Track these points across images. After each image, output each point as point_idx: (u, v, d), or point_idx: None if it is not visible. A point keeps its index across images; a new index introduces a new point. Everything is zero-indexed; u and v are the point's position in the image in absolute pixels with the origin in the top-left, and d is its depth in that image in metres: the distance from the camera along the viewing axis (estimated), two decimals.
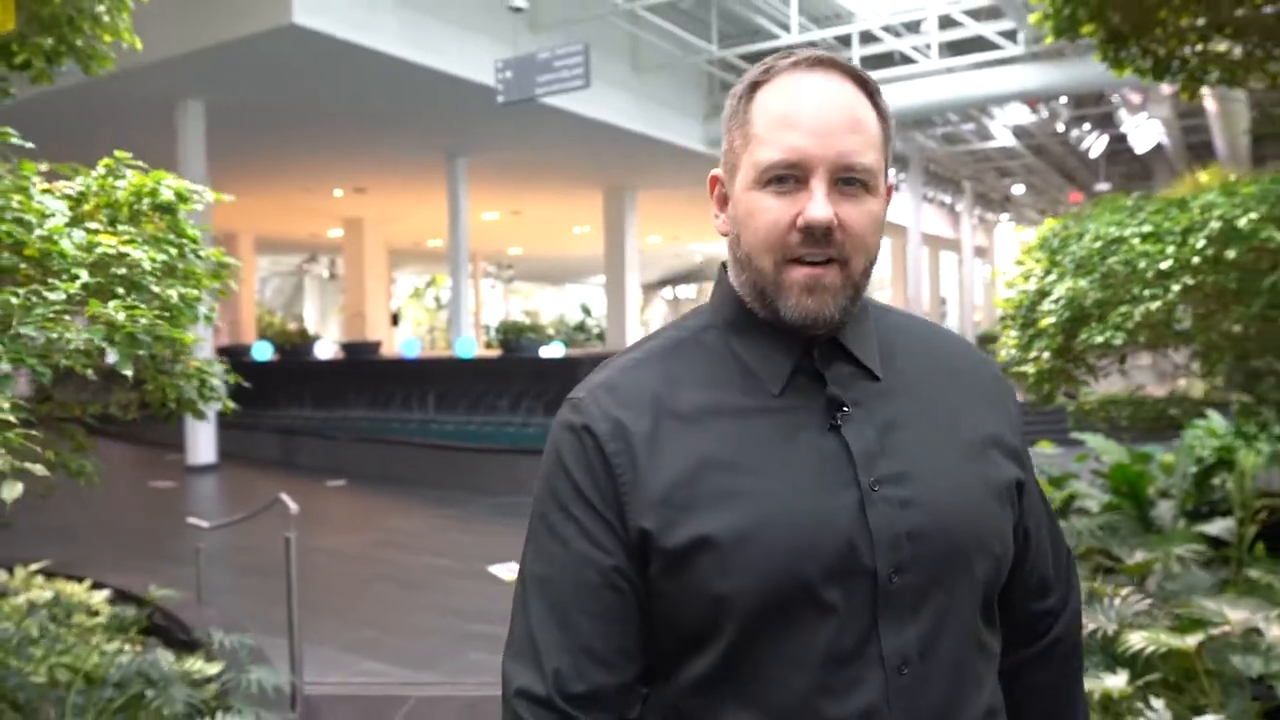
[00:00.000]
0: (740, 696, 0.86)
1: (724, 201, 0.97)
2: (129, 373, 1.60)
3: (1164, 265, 2.74)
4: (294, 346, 16.99)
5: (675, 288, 37.73)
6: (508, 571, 6.11)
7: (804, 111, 0.87)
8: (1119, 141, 19.40)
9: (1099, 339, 2.83)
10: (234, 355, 14.47)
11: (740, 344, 0.93)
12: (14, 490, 1.36)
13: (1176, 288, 2.71)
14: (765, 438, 0.88)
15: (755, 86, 0.91)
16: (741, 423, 0.89)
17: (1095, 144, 19.05)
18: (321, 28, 8.91)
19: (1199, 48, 4.21)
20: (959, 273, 27.86)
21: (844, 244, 0.87)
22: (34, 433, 1.39)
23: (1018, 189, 25.33)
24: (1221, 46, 4.21)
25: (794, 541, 0.84)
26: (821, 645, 0.84)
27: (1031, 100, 16.19)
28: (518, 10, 9.12)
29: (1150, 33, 4.10)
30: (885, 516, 0.86)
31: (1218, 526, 4.45)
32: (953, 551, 0.88)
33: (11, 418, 1.35)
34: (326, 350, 16.81)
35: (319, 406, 13.70)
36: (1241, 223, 2.56)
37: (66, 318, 1.67)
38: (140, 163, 2.14)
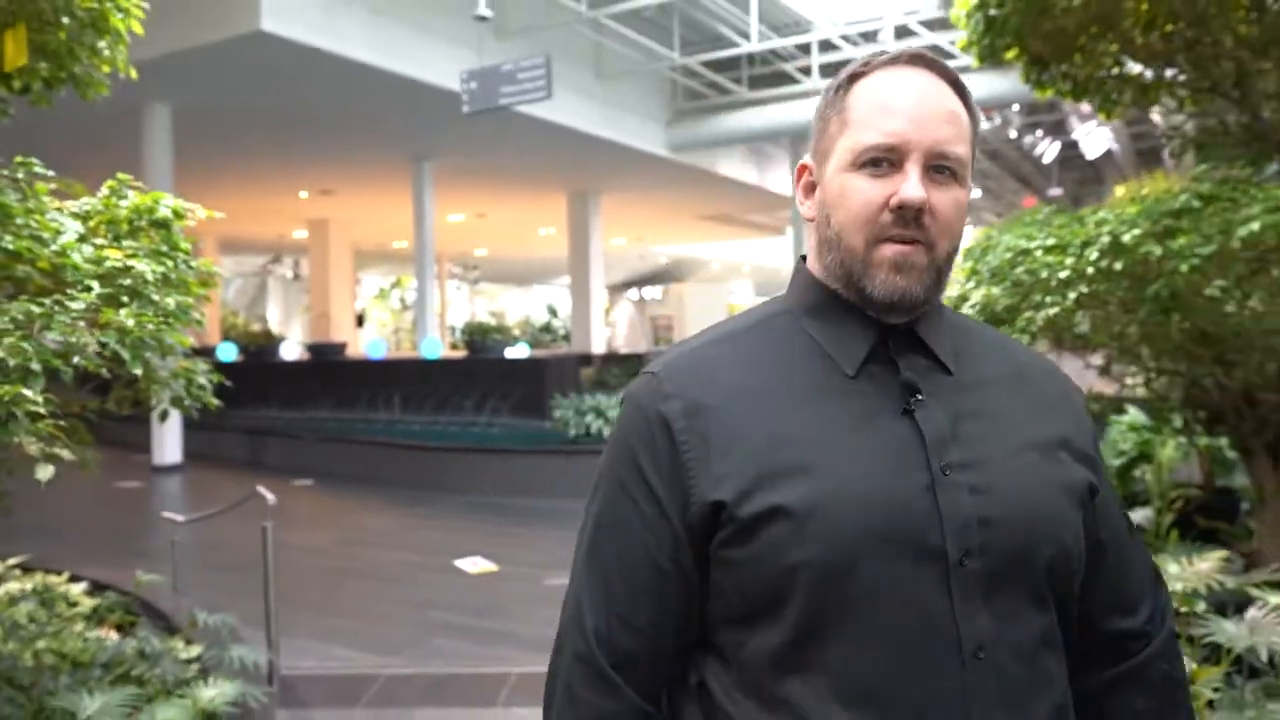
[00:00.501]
0: (812, 673, 0.86)
1: (810, 189, 1.00)
2: (139, 372, 1.83)
3: (1063, 275, 3.05)
4: (259, 348, 17.02)
5: (641, 289, 38.01)
6: (473, 565, 6.34)
7: (903, 100, 0.91)
8: (1071, 148, 19.98)
9: None
10: (199, 356, 14.49)
11: (815, 327, 0.96)
12: (47, 472, 1.59)
13: (1073, 295, 3.02)
14: (837, 417, 0.90)
15: (855, 78, 0.95)
16: (814, 401, 0.91)
17: (1048, 150, 19.64)
18: (289, 34, 9.05)
19: (1114, 71, 4.55)
20: None
21: (931, 228, 0.90)
22: (62, 423, 1.62)
23: (975, 193, 25.94)
24: (1135, 70, 4.55)
25: (863, 517, 0.85)
26: (893, 624, 0.84)
27: (985, 108, 16.68)
28: (483, 19, 9.34)
29: (1069, 57, 4.43)
30: (955, 500, 0.87)
31: (1138, 515, 4.81)
32: (1024, 541, 0.89)
33: (43, 410, 1.58)
34: (292, 351, 16.89)
35: (285, 407, 13.81)
36: (1126, 238, 2.88)
37: (80, 324, 1.90)
38: (139, 184, 2.37)
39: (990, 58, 4.11)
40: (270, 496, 3.78)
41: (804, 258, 1.03)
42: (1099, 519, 0.99)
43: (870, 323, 0.94)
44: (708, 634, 0.94)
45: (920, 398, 0.91)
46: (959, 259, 4.05)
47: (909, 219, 0.89)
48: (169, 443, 11.15)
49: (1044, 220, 3.55)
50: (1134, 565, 1.03)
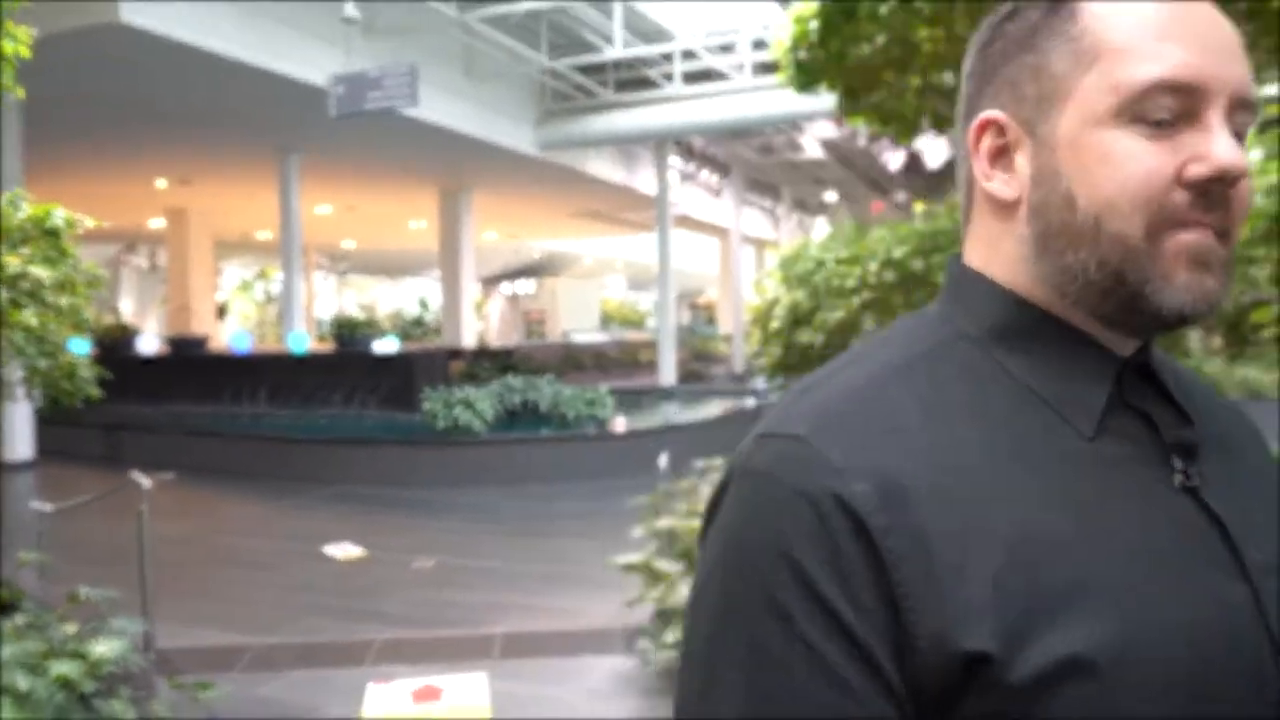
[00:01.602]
0: None
1: (998, 154, 0.66)
2: (42, 364, 2.14)
3: (850, 283, 3.66)
4: (114, 341, 16.43)
5: (514, 283, 38.21)
6: (342, 551, 6.60)
7: (1189, 20, 0.60)
8: (915, 157, 21.40)
9: (805, 338, 3.73)
10: None
11: (1018, 363, 0.64)
12: None
13: (858, 299, 3.64)
14: (1094, 500, 0.60)
15: None
16: (1053, 477, 0.60)
17: (893, 159, 21.01)
18: (150, 26, 8.97)
19: (915, 103, 5.26)
20: None
21: (1234, 209, 0.61)
22: None
23: (830, 196, 27.34)
24: (930, 104, 5.28)
25: (1193, 664, 0.56)
26: None
27: (836, 118, 17.74)
28: (351, 21, 9.51)
29: (876, 91, 5.11)
30: None
31: None
32: None
33: None
34: (149, 345, 16.40)
35: (144, 402, 13.51)
36: (896, 254, 3.50)
37: None
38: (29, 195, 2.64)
39: (805, 90, 4.72)
40: (146, 481, 4.01)
41: (956, 257, 0.73)
42: None
43: (1103, 357, 0.65)
44: None
45: (1195, 466, 0.63)
46: (775, 267, 4.65)
47: (1215, 198, 0.59)
48: (19, 438, 10.82)
49: (845, 237, 4.17)
50: None
